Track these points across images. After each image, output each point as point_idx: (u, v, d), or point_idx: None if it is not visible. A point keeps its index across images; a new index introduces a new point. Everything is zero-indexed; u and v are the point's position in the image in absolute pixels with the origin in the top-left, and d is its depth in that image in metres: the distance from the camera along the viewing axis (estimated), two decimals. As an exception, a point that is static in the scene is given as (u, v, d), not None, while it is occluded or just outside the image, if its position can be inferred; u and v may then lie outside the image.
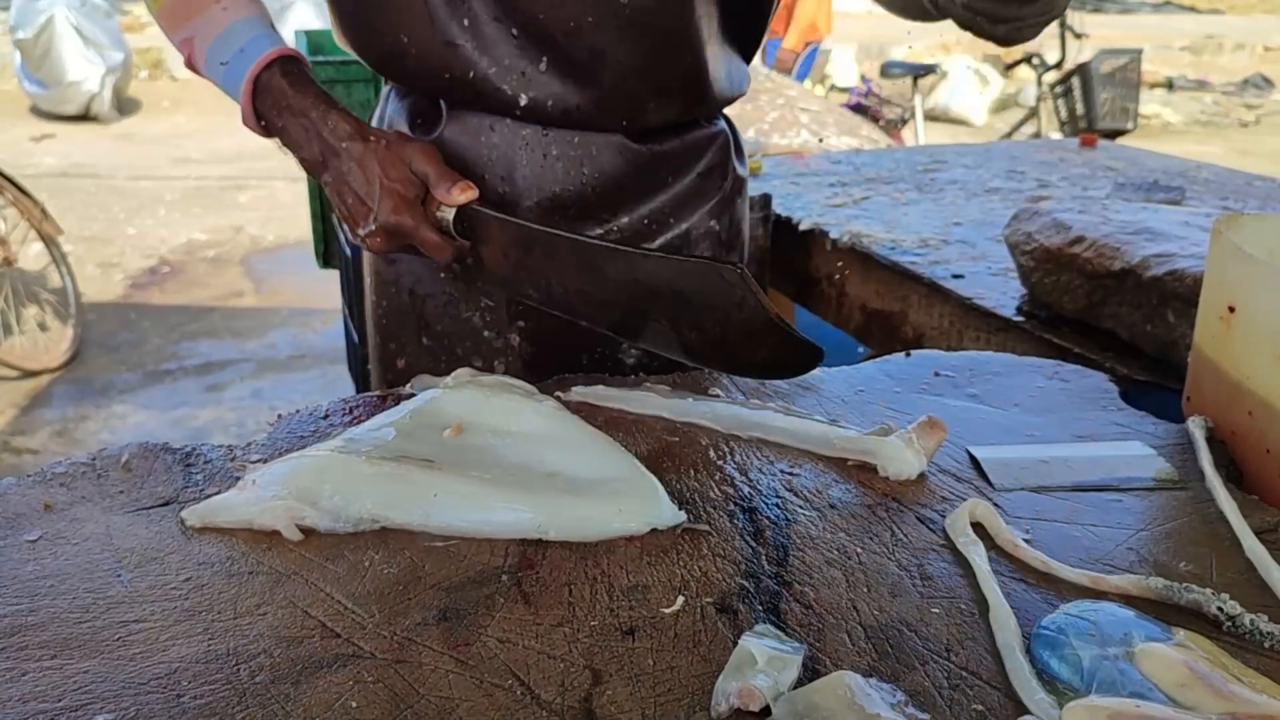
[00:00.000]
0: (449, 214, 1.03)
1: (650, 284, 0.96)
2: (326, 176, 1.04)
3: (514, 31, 1.05)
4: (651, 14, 1.04)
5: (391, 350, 1.26)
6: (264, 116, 1.05)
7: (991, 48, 10.57)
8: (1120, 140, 4.59)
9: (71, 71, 8.75)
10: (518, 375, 1.15)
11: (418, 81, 1.14)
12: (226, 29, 1.05)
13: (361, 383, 2.75)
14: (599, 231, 1.16)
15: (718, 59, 1.14)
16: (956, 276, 1.68)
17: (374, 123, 1.24)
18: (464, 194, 1.02)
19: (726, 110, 1.26)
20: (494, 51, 1.06)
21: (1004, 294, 1.59)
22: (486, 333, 1.19)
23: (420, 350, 1.23)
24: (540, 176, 1.12)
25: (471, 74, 1.07)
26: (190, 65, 1.08)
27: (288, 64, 1.05)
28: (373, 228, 1.02)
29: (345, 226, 1.08)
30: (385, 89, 1.24)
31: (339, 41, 1.18)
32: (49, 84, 8.78)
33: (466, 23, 1.05)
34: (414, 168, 1.02)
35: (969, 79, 9.41)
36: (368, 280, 1.28)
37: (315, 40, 3.72)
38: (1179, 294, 1.27)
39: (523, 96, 1.07)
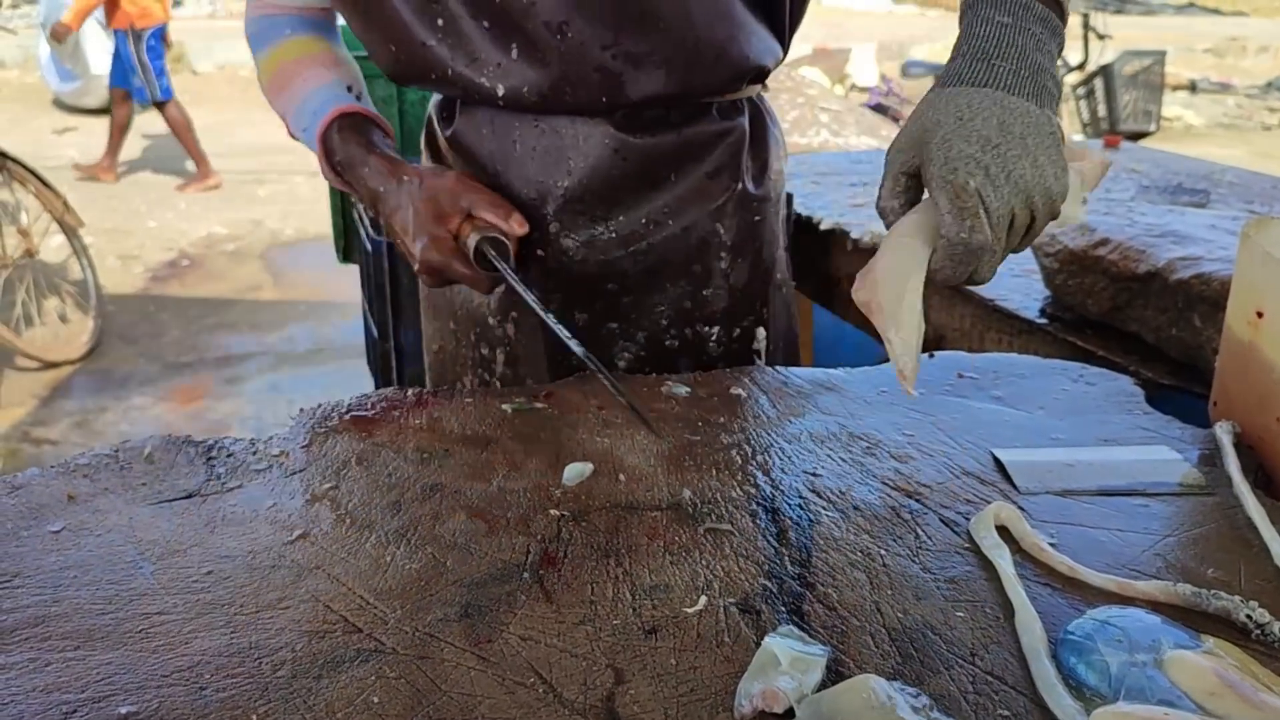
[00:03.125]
0: (469, 245, 1.06)
1: None
2: (381, 220, 1.14)
3: (485, 24, 1.06)
4: None
5: (430, 333, 1.33)
6: (336, 172, 1.16)
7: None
8: (1142, 142, 4.56)
9: (94, 65, 8.80)
10: (515, 372, 1.21)
11: (417, 84, 1.17)
12: (304, 99, 1.17)
13: (381, 377, 2.75)
14: (595, 230, 1.15)
15: (723, 22, 1.07)
16: (979, 278, 1.67)
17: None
18: (515, 223, 1.08)
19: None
20: (467, 47, 1.07)
21: (1027, 296, 1.58)
22: (490, 320, 1.22)
23: (448, 334, 1.28)
24: (530, 170, 1.13)
25: (450, 71, 1.09)
26: (292, 136, 1.21)
27: (345, 120, 1.15)
28: (417, 266, 1.08)
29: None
30: None
31: None
32: (73, 78, 8.84)
33: (440, 22, 1.07)
34: (452, 201, 1.07)
35: (990, 79, 9.37)
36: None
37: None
38: (1205, 297, 1.26)
39: (499, 86, 1.08)
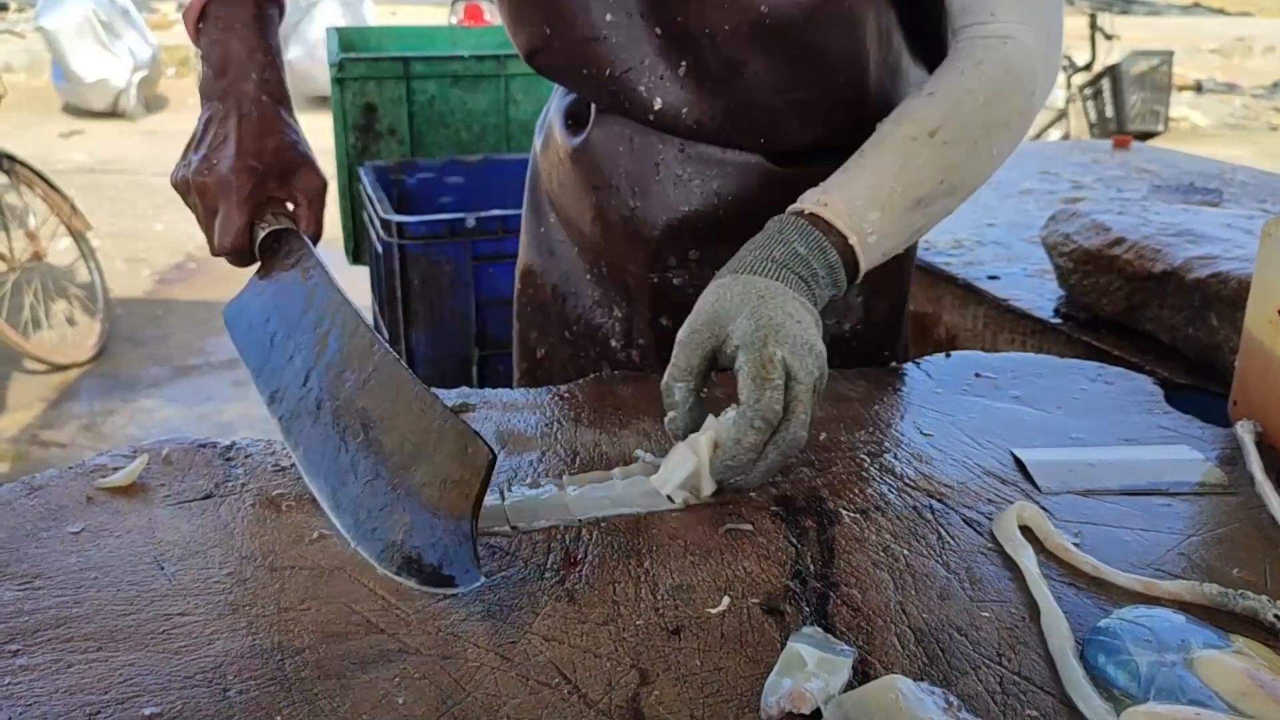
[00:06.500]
0: (263, 229, 0.93)
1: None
2: (217, 106, 0.93)
3: (658, 30, 1.00)
4: (797, 27, 0.97)
5: (532, 339, 1.27)
6: (206, 19, 0.95)
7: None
8: (1151, 143, 4.55)
9: (100, 69, 8.82)
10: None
11: (559, 76, 1.11)
12: None
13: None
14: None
15: (891, 75, 1.04)
16: (992, 278, 1.66)
17: (540, 119, 1.24)
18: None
19: None
20: (636, 49, 1.01)
21: (1040, 296, 1.58)
22: (613, 342, 1.18)
23: (562, 342, 1.23)
24: (673, 196, 1.08)
25: (609, 71, 1.03)
26: None
27: None
28: (192, 177, 0.92)
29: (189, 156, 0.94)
30: (556, 86, 1.21)
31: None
32: (78, 81, 8.85)
33: (610, 17, 1.01)
34: (288, 164, 0.93)
35: (995, 80, 9.35)
36: (518, 269, 1.29)
37: (346, 38, 3.73)
38: (1222, 296, 1.26)
39: (657, 100, 1.03)
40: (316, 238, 0.97)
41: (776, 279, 0.87)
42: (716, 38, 0.98)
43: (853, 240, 0.91)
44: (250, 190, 0.92)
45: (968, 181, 0.96)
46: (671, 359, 0.87)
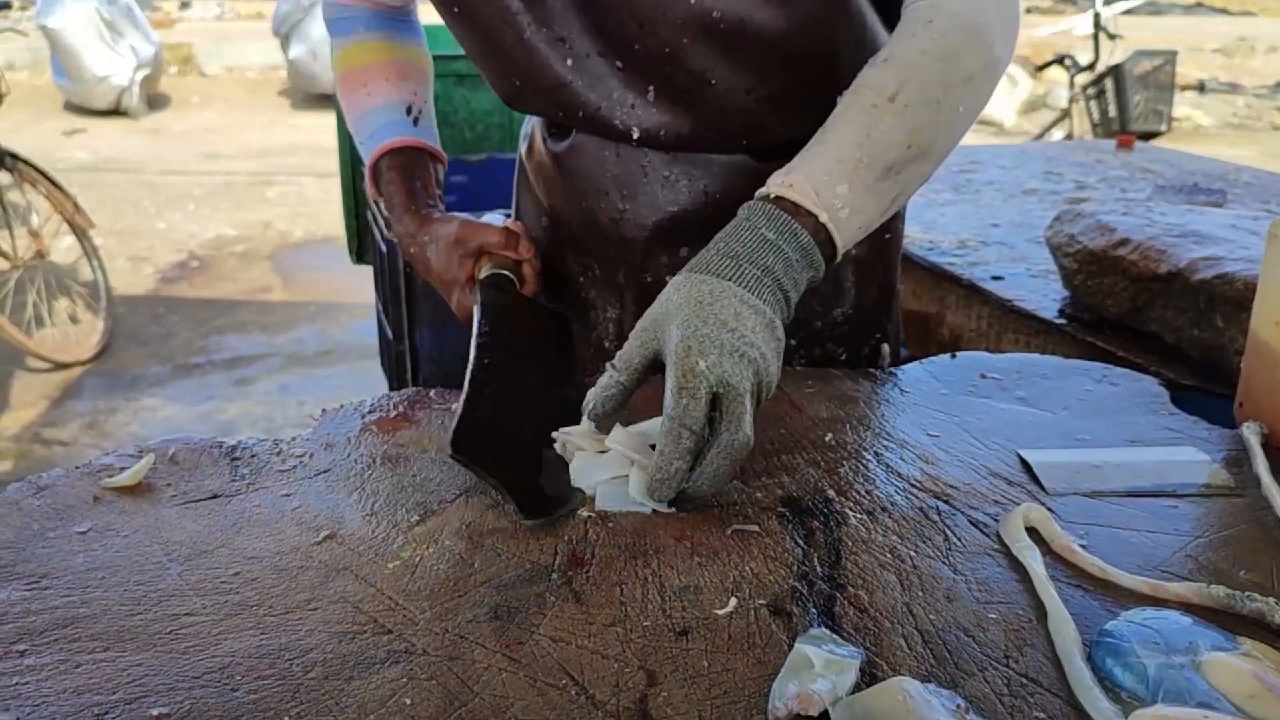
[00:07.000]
0: (481, 273, 1.10)
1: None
2: (411, 250, 1.16)
3: (618, 64, 1.02)
4: (751, 28, 0.98)
5: None
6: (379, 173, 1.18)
7: (1022, 49, 10.50)
8: (1155, 142, 4.54)
9: (102, 67, 8.83)
10: None
11: (540, 115, 1.16)
12: (363, 114, 1.20)
13: (396, 378, 2.74)
14: None
15: (871, 53, 1.01)
16: (996, 278, 1.66)
17: (524, 125, 1.28)
18: (522, 250, 1.11)
19: None
20: (601, 86, 1.04)
21: (1045, 296, 1.58)
22: (607, 343, 1.19)
23: None
24: (661, 197, 1.09)
25: (582, 112, 1.06)
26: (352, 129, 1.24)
27: (395, 158, 1.17)
28: (457, 312, 1.12)
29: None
30: None
31: None
32: (80, 79, 8.86)
33: (570, 62, 1.03)
34: (463, 247, 1.10)
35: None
36: None
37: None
38: (1228, 297, 1.25)
39: (635, 129, 1.05)
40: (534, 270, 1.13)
41: (730, 278, 0.86)
42: (678, 54, 0.99)
43: (823, 218, 0.89)
44: (465, 278, 1.11)
45: (938, 143, 0.94)
46: (619, 354, 0.88)
